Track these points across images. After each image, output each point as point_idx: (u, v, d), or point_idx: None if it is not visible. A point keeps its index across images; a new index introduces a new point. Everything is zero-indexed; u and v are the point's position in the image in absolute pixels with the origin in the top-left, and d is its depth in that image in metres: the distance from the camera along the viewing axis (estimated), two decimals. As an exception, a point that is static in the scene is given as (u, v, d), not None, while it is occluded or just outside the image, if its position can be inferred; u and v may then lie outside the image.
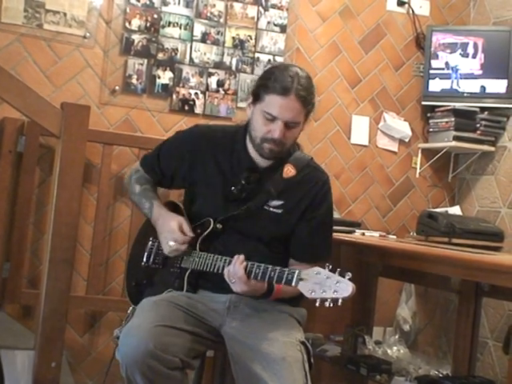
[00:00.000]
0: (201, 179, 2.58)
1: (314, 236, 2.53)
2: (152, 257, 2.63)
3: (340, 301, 2.08)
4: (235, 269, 2.27)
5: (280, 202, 2.49)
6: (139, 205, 2.71)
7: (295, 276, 2.17)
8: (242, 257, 2.29)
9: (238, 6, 4.11)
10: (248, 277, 2.26)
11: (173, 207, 2.67)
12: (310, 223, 2.53)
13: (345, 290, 2.08)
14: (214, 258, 2.43)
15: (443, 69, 4.43)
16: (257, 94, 2.43)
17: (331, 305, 2.08)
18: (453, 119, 4.33)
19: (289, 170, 2.51)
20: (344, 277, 2.09)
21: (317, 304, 2.10)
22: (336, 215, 4.11)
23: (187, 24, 4.00)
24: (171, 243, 2.49)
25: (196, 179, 2.60)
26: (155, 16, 3.93)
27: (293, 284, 2.17)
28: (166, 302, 2.43)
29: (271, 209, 2.48)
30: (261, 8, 4.17)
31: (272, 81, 2.40)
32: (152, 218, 2.63)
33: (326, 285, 2.09)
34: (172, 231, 2.50)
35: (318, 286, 2.10)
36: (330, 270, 2.11)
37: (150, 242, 2.65)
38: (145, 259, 2.64)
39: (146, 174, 2.74)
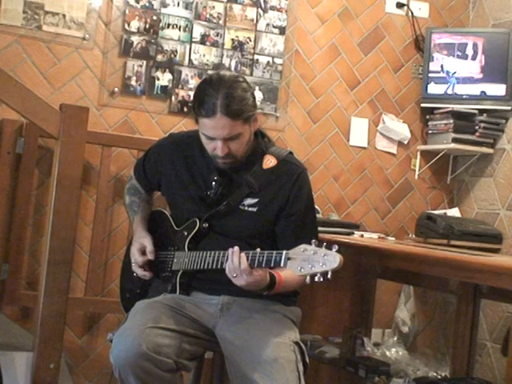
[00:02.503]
0: (176, 185, 2.62)
1: (298, 233, 2.50)
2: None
3: (329, 273, 2.06)
4: (235, 262, 2.24)
5: (255, 200, 2.48)
6: (129, 217, 2.86)
7: (283, 256, 2.15)
8: (236, 248, 2.27)
9: (237, 8, 4.11)
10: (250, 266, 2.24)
11: (158, 216, 2.75)
12: (292, 219, 2.51)
13: (332, 262, 2.05)
14: (204, 255, 2.42)
15: (442, 71, 4.43)
16: (194, 116, 2.48)
17: (321, 279, 2.06)
18: (452, 121, 4.33)
19: (269, 161, 2.52)
20: (331, 249, 2.07)
21: (307, 281, 2.09)
22: (335, 217, 4.13)
23: (186, 26, 4.00)
24: (133, 265, 2.65)
25: (172, 185, 2.64)
26: (154, 18, 3.93)
27: (281, 264, 2.15)
28: (159, 304, 2.43)
29: (246, 208, 2.48)
30: (260, 10, 4.18)
31: (197, 105, 2.40)
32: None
33: (314, 260, 2.07)
34: (133, 254, 2.63)
35: (306, 263, 2.08)
36: (317, 246, 2.10)
37: None
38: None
39: (136, 182, 2.84)
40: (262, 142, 2.58)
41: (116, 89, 3.87)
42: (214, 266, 2.38)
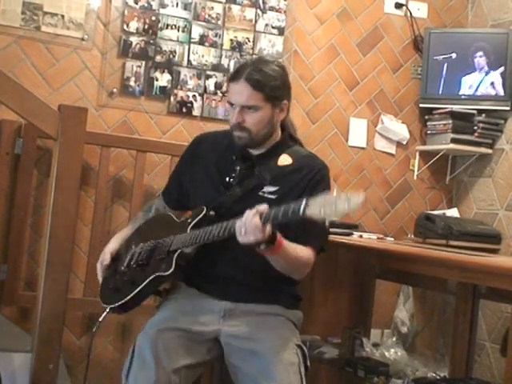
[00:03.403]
0: (200, 179, 2.61)
1: (305, 226, 2.35)
2: (135, 258, 2.58)
3: (353, 210, 1.96)
4: (249, 216, 2.14)
5: (274, 188, 2.47)
6: None
7: (302, 203, 2.04)
8: (261, 207, 2.17)
9: (236, 9, 4.11)
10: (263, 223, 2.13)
11: (161, 217, 2.74)
12: None
13: (357, 198, 1.95)
14: (208, 228, 2.34)
15: (441, 71, 4.43)
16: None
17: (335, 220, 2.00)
18: (450, 121, 4.33)
19: (284, 159, 2.52)
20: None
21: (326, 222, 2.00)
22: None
23: (185, 26, 4.00)
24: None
25: (196, 179, 2.62)
26: (153, 18, 3.93)
27: (300, 212, 2.03)
28: (164, 341, 2.37)
29: (266, 194, 2.46)
30: (259, 10, 4.17)
31: (232, 72, 2.54)
32: None
33: (338, 201, 1.97)
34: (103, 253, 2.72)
35: (328, 205, 1.98)
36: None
37: (133, 247, 2.64)
38: (125, 263, 2.60)
39: (157, 201, 2.82)
40: (287, 139, 2.59)
41: (115, 89, 3.87)
42: (221, 234, 2.27)
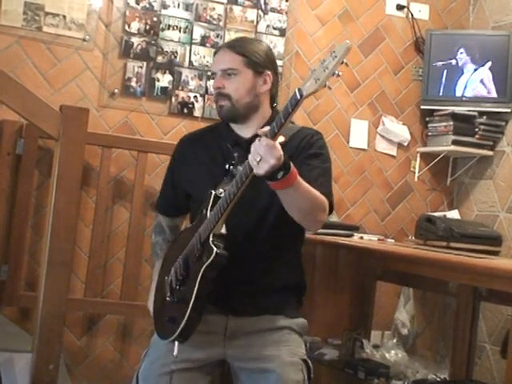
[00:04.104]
0: (197, 176, 2.51)
1: (312, 178, 2.32)
2: (174, 281, 2.38)
3: (345, 60, 1.92)
4: (257, 143, 2.05)
5: None
6: (151, 257, 2.79)
7: (296, 92, 1.98)
8: (260, 130, 2.10)
9: (237, 10, 4.12)
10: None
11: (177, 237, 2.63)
12: (306, 166, 2.36)
13: (342, 47, 1.91)
14: (225, 194, 2.22)
15: (442, 73, 4.44)
16: None
17: (339, 74, 1.94)
18: (451, 123, 4.33)
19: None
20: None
21: (328, 85, 1.96)
22: (334, 218, 4.13)
23: (187, 27, 4.01)
24: None
25: (192, 179, 2.53)
26: (155, 19, 3.94)
27: (298, 96, 1.97)
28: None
29: None
30: (260, 11, 4.18)
31: None
32: None
33: (325, 63, 1.94)
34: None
35: (318, 72, 1.94)
36: None
37: (166, 277, 2.45)
38: (168, 293, 2.41)
39: (162, 217, 2.69)
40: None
41: (116, 90, 3.87)
42: (241, 184, 2.16)
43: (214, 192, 2.32)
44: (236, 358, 2.40)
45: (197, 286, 2.24)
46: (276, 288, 2.44)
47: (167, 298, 2.39)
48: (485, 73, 4.36)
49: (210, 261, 2.22)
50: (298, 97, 1.98)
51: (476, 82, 4.37)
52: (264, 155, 2.02)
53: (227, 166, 2.37)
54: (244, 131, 2.45)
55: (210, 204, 2.31)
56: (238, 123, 2.46)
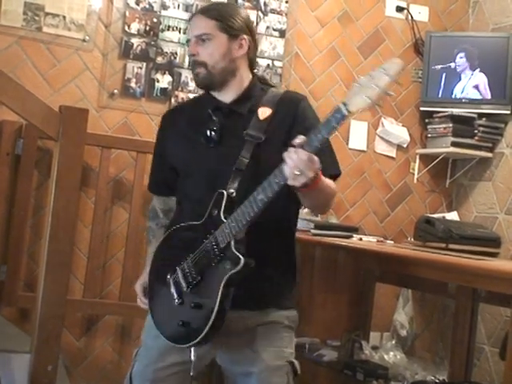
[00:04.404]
0: (180, 145, 2.44)
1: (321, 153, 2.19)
2: (183, 283, 2.27)
3: (395, 77, 1.87)
4: (294, 157, 1.98)
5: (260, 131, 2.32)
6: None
7: (341, 107, 1.92)
8: (297, 139, 2.01)
9: (237, 11, 4.11)
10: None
11: (175, 234, 2.46)
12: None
13: (394, 64, 1.88)
14: (250, 200, 2.13)
15: (441, 76, 4.44)
16: None
17: (392, 94, 1.92)
18: (451, 125, 4.33)
19: (264, 112, 2.35)
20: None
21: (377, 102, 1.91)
22: (334, 220, 4.13)
23: (186, 28, 4.00)
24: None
25: (177, 148, 2.45)
26: (154, 20, 3.94)
27: (345, 112, 1.91)
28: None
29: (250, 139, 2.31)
30: (260, 13, 4.18)
31: None
32: None
33: (374, 79, 1.89)
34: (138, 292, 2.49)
35: (367, 89, 1.89)
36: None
37: (168, 276, 2.32)
38: (176, 296, 2.29)
39: (155, 200, 2.60)
40: (258, 84, 2.43)
41: (116, 91, 3.87)
42: (270, 193, 2.07)
43: (225, 192, 2.23)
44: (223, 360, 2.37)
45: (220, 295, 2.16)
46: (267, 276, 2.32)
47: (175, 301, 2.27)
48: (480, 78, 4.36)
49: (237, 269, 2.15)
50: (345, 113, 1.91)
51: (471, 88, 4.38)
52: (304, 170, 1.98)
53: (208, 133, 2.33)
54: (224, 97, 2.39)
55: (224, 205, 2.22)
56: (216, 90, 2.39)
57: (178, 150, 2.43)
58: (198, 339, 2.18)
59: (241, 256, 2.15)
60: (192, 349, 2.25)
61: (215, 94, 2.41)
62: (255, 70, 2.47)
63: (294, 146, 1.99)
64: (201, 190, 2.33)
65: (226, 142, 2.32)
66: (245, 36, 2.37)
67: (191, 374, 2.27)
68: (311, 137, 1.98)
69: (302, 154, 1.97)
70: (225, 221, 2.19)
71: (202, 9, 2.42)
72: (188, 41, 2.41)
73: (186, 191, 2.41)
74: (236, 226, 2.16)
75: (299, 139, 1.99)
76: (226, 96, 2.38)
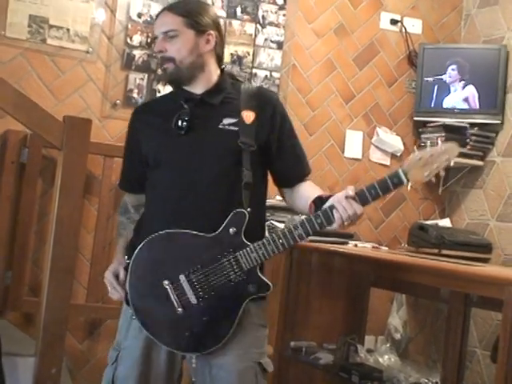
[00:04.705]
0: (152, 138, 2.37)
1: (294, 152, 2.41)
2: (189, 293, 2.20)
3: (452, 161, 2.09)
4: (349, 210, 2.10)
5: (234, 120, 2.31)
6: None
7: (400, 174, 2.10)
8: (350, 191, 2.11)
9: (236, 23, 4.13)
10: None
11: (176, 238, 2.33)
12: (284, 138, 2.38)
13: (454, 149, 2.07)
14: (290, 231, 2.15)
15: (433, 87, 4.45)
16: None
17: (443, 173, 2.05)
18: (443, 134, 4.33)
19: (248, 116, 2.33)
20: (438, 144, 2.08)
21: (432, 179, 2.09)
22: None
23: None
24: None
25: (149, 141, 2.38)
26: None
27: (404, 182, 2.10)
28: None
29: (226, 127, 2.30)
30: (258, 25, 4.19)
31: None
32: None
33: (435, 159, 2.06)
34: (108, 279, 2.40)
35: (428, 166, 2.07)
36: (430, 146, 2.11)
37: (166, 281, 2.21)
38: (177, 304, 2.20)
39: (127, 197, 2.52)
40: (228, 79, 2.42)
41: (118, 101, 3.88)
42: (312, 232, 2.14)
43: (246, 213, 2.20)
44: (195, 362, 2.29)
45: (240, 313, 2.19)
46: None
47: (177, 310, 2.19)
48: (470, 91, 4.37)
49: (264, 294, 2.23)
50: (404, 181, 2.09)
51: (461, 101, 4.39)
52: (353, 220, 2.11)
53: (180, 122, 2.29)
54: (195, 90, 2.35)
55: (245, 226, 2.20)
56: (184, 85, 2.35)
57: (151, 141, 2.37)
58: (208, 350, 2.19)
59: (270, 283, 2.20)
60: (194, 357, 2.23)
61: (186, 88, 2.37)
62: (223, 66, 2.44)
63: (347, 197, 2.09)
64: (172, 177, 2.29)
65: (198, 131, 2.29)
66: (212, 32, 2.34)
67: (193, 379, 2.26)
68: (364, 191, 2.10)
69: (357, 207, 2.10)
70: (248, 244, 2.19)
71: (169, 6, 2.38)
72: (155, 38, 2.35)
73: (157, 178, 2.34)
74: (265, 253, 2.18)
75: (352, 191, 2.10)
76: (197, 89, 2.34)
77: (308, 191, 2.39)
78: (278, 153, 2.37)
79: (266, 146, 2.34)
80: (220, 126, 2.29)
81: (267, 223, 3.81)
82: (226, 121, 2.30)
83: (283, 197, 2.49)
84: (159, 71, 2.37)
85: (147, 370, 2.27)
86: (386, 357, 3.66)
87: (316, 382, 3.65)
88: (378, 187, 2.11)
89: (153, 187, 2.36)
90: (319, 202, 2.25)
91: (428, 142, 2.05)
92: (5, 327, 3.45)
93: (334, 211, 2.12)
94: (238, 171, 2.26)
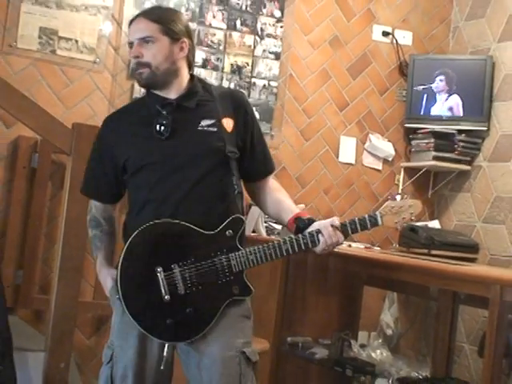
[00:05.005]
0: (134, 144, 2.32)
1: (264, 151, 2.47)
2: (180, 284, 2.20)
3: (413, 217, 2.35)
4: (334, 240, 2.27)
5: (211, 121, 2.31)
6: (92, 252, 2.48)
7: (378, 217, 2.30)
8: (336, 221, 2.29)
9: (236, 35, 4.14)
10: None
11: (172, 229, 2.29)
12: (256, 138, 2.43)
13: (417, 207, 2.33)
14: (279, 246, 2.25)
15: (422, 96, 4.46)
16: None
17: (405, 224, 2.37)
18: (433, 140, 4.35)
19: (228, 124, 2.34)
20: (407, 198, 2.36)
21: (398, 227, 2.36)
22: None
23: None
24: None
25: (129, 151, 2.32)
26: (159, 43, 3.95)
27: (379, 223, 2.29)
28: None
29: (205, 128, 2.30)
30: (257, 37, 4.21)
31: None
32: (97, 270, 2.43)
33: (403, 212, 2.31)
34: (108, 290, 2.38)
35: (397, 216, 2.31)
36: (400, 199, 2.33)
37: (158, 269, 2.20)
38: (164, 291, 2.19)
39: (94, 207, 2.44)
40: (198, 83, 2.40)
41: (124, 109, 3.88)
42: (298, 250, 2.27)
43: (243, 219, 2.28)
44: (183, 351, 2.29)
45: (220, 311, 2.22)
46: None
47: (164, 297, 2.18)
48: (455, 101, 4.39)
49: (244, 298, 2.28)
50: (380, 223, 2.29)
51: (446, 110, 4.41)
52: (334, 247, 2.29)
53: (158, 127, 2.27)
54: (168, 94, 2.32)
55: (241, 232, 2.26)
56: (158, 89, 2.33)
57: (128, 148, 2.31)
58: (186, 341, 2.21)
59: (252, 288, 2.26)
60: (166, 345, 2.22)
61: (159, 93, 2.34)
62: (191, 72, 2.41)
63: (332, 226, 2.26)
64: (157, 177, 2.26)
65: (179, 135, 2.27)
66: (185, 39, 2.33)
67: (161, 367, 2.23)
68: (346, 225, 2.28)
69: (340, 236, 2.28)
70: (241, 248, 2.24)
71: (144, 12, 2.35)
72: (130, 43, 2.31)
73: (142, 180, 2.29)
74: (255, 259, 2.23)
75: (338, 221, 2.28)
76: (170, 94, 2.33)
77: (281, 199, 2.44)
78: (251, 151, 2.41)
79: (244, 148, 2.38)
80: (199, 128, 2.29)
81: (266, 225, 3.83)
82: (204, 122, 2.31)
83: (245, 189, 2.48)
84: (135, 75, 2.32)
85: (143, 367, 2.25)
86: (379, 351, 3.66)
87: (312, 375, 3.65)
88: (358, 223, 2.29)
89: (136, 188, 2.32)
90: (299, 220, 2.33)
91: (398, 196, 2.24)
92: (16, 324, 3.46)
93: (320, 236, 2.25)
94: (224, 174, 2.29)
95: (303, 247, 2.25)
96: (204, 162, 2.26)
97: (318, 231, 2.25)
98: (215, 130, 2.30)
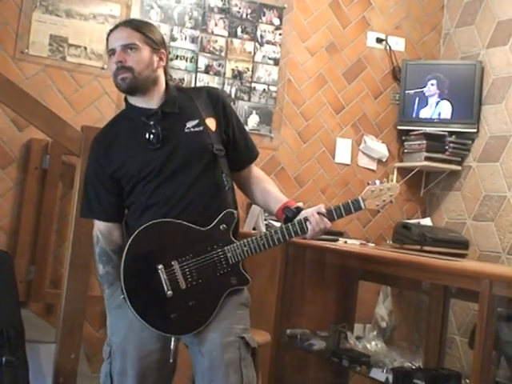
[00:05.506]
0: (128, 157, 2.29)
1: (245, 139, 2.46)
2: (181, 279, 2.20)
3: (393, 200, 2.33)
4: (321, 226, 2.27)
5: (196, 121, 2.31)
6: (101, 286, 2.41)
7: (361, 201, 2.28)
8: (322, 208, 2.29)
9: (237, 42, 4.14)
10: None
11: (170, 227, 2.28)
12: (238, 130, 2.42)
13: (396, 189, 2.32)
14: (271, 235, 2.26)
15: (414, 100, 4.45)
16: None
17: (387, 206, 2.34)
18: (424, 142, 4.34)
19: (211, 123, 2.34)
20: (388, 182, 2.33)
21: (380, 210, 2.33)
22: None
23: (192, 57, 4.02)
24: None
25: (124, 165, 2.29)
26: (164, 50, 3.94)
27: (362, 207, 2.28)
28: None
29: (192, 129, 2.28)
30: (257, 44, 4.20)
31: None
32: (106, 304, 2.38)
33: (383, 195, 2.30)
34: None
35: (378, 199, 2.29)
36: (380, 183, 2.31)
37: (160, 266, 2.20)
38: (167, 287, 2.19)
39: (100, 232, 2.37)
40: (173, 89, 2.40)
41: (130, 112, 3.87)
42: (288, 237, 2.27)
43: (234, 213, 2.28)
44: (187, 340, 2.30)
45: (221, 302, 2.24)
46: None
47: (167, 293, 2.18)
48: (445, 106, 4.38)
49: (242, 287, 2.29)
50: (362, 206, 2.28)
51: (436, 114, 4.40)
52: (322, 232, 2.28)
53: (147, 136, 2.25)
54: (149, 103, 2.31)
55: (234, 225, 2.27)
56: (138, 95, 2.31)
57: (125, 165, 2.28)
58: (192, 332, 2.21)
59: (249, 278, 2.27)
60: (172, 339, 2.24)
61: (137, 103, 2.32)
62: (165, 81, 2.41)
63: (319, 213, 2.26)
64: (158, 183, 2.25)
65: (170, 140, 2.27)
66: (163, 50, 2.36)
67: (171, 360, 2.25)
68: (332, 210, 2.29)
69: (327, 222, 2.27)
70: (235, 241, 2.26)
71: (125, 22, 2.35)
72: (111, 50, 2.28)
73: (142, 192, 2.27)
74: (249, 250, 2.25)
75: (324, 208, 2.29)
76: (151, 103, 2.32)
77: (268, 189, 2.45)
78: (233, 141, 2.41)
79: (227, 141, 2.38)
80: (186, 130, 2.30)
81: (266, 222, 3.83)
82: (190, 124, 2.31)
83: (233, 180, 2.44)
84: (116, 80, 2.30)
85: (142, 363, 2.23)
86: (374, 343, 3.66)
87: (310, 366, 3.65)
88: (342, 208, 2.29)
89: (137, 194, 2.28)
90: (288, 209, 2.34)
91: (377, 181, 2.26)
92: (28, 317, 3.45)
93: (308, 223, 2.26)
94: (214, 172, 2.30)
95: (293, 235, 2.27)
96: (195, 165, 2.27)
97: (306, 219, 2.27)
98: (201, 128, 2.31)
